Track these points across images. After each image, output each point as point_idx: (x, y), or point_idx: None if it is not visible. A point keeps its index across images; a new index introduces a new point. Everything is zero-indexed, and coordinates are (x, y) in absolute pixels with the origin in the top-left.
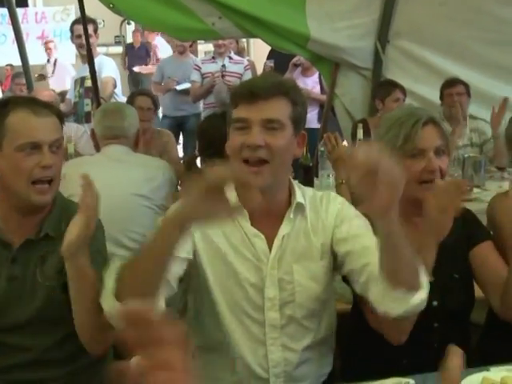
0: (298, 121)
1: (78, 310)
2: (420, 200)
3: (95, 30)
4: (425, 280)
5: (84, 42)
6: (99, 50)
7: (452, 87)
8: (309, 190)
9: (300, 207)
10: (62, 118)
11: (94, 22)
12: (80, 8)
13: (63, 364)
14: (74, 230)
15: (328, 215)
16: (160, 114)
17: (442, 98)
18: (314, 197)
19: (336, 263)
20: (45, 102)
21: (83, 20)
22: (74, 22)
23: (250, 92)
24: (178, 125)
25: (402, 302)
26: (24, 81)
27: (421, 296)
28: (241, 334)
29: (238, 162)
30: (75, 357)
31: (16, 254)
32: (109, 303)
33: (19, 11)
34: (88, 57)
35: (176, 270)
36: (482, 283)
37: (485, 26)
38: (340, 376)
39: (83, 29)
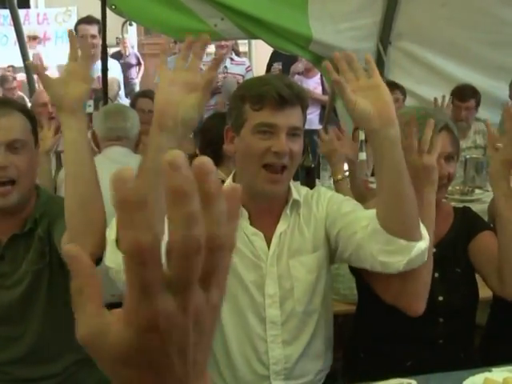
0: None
1: (71, 185)
2: None
3: (99, 31)
4: (426, 233)
5: (89, 42)
6: None
7: (463, 102)
8: (303, 189)
9: (296, 204)
10: (29, 115)
11: (98, 22)
12: (102, 10)
13: (59, 358)
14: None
15: (319, 207)
16: None
17: (452, 101)
18: (307, 194)
19: (333, 250)
20: (6, 100)
21: (103, 22)
22: (79, 22)
23: (281, 97)
24: None
25: (405, 251)
26: (14, 84)
27: (422, 245)
28: (241, 332)
29: (256, 166)
30: (70, 350)
31: (3, 251)
32: (111, 257)
33: (21, 12)
34: (102, 56)
35: None
36: (482, 268)
37: (487, 27)
38: (342, 377)
39: (102, 31)
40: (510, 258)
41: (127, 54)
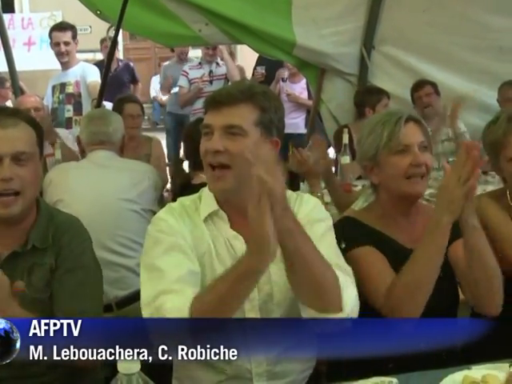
0: (268, 126)
1: None
2: (408, 196)
3: (74, 37)
4: (349, 303)
5: (63, 49)
6: (87, 56)
7: (420, 90)
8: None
9: None
10: (36, 126)
11: (72, 28)
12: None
13: (43, 374)
14: None
15: (298, 216)
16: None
17: (413, 101)
18: (289, 198)
19: None
20: (13, 110)
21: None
22: (53, 29)
23: (214, 99)
24: (179, 122)
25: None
26: None
27: (336, 316)
28: None
29: (205, 166)
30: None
31: (2, 265)
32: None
33: (5, 17)
34: (107, 60)
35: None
36: (459, 277)
37: (468, 32)
38: (326, 379)
39: (113, 39)
40: (479, 282)
41: (115, 65)
